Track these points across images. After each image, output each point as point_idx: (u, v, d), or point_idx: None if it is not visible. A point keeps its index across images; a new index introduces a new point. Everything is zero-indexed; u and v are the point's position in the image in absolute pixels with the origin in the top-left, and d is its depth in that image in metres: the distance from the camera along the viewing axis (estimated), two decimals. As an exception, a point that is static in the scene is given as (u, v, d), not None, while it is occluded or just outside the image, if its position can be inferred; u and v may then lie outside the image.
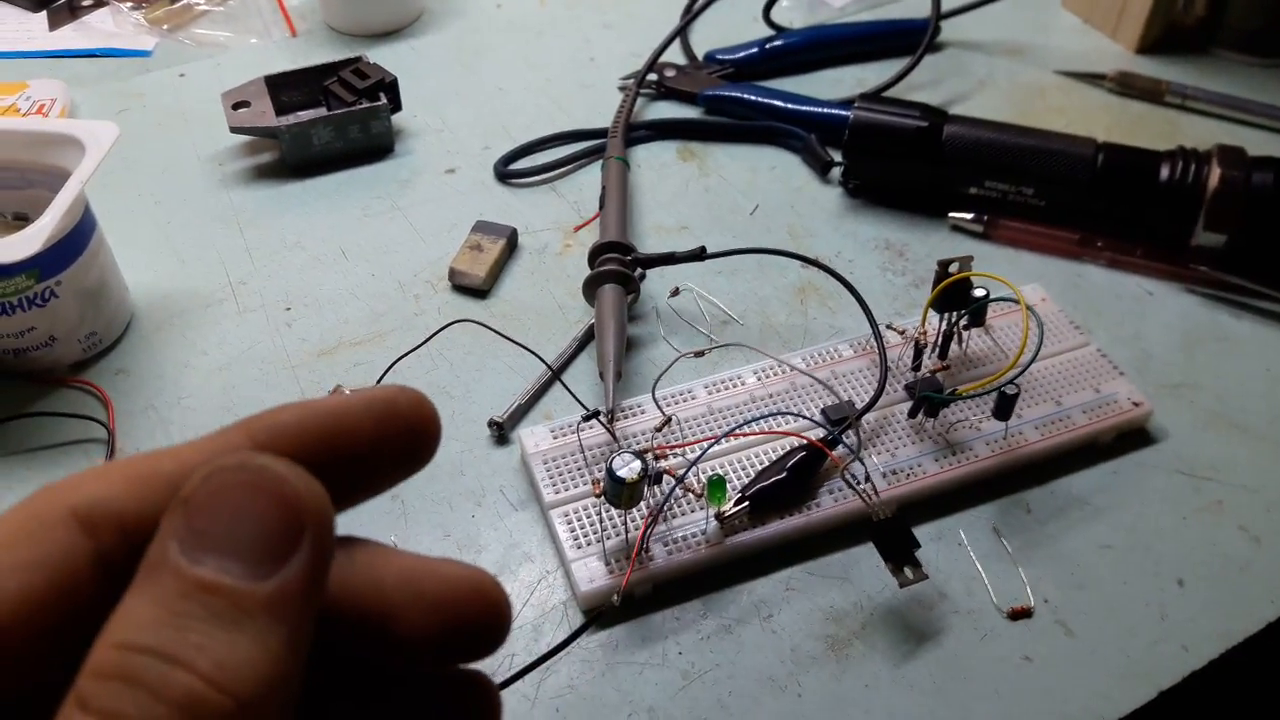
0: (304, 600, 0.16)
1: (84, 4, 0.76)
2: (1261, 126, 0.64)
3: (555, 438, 0.45)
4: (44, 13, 0.76)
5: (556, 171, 0.62)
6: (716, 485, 0.41)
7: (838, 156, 0.60)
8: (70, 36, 0.74)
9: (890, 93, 0.65)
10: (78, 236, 0.48)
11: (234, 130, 0.61)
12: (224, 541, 0.15)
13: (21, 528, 0.16)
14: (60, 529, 0.16)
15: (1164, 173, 0.54)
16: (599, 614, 0.40)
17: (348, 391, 0.45)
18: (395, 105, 0.63)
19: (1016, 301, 0.43)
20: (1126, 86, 0.66)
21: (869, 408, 0.45)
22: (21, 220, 0.50)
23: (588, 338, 0.51)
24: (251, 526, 0.15)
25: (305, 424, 0.18)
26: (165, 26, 0.74)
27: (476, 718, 0.20)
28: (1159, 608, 0.41)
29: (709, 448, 0.43)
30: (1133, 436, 0.47)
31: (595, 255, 0.52)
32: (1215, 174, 0.52)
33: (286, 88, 0.63)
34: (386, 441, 0.19)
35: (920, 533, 0.40)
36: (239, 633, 0.15)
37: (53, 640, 0.16)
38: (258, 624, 0.15)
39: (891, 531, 0.40)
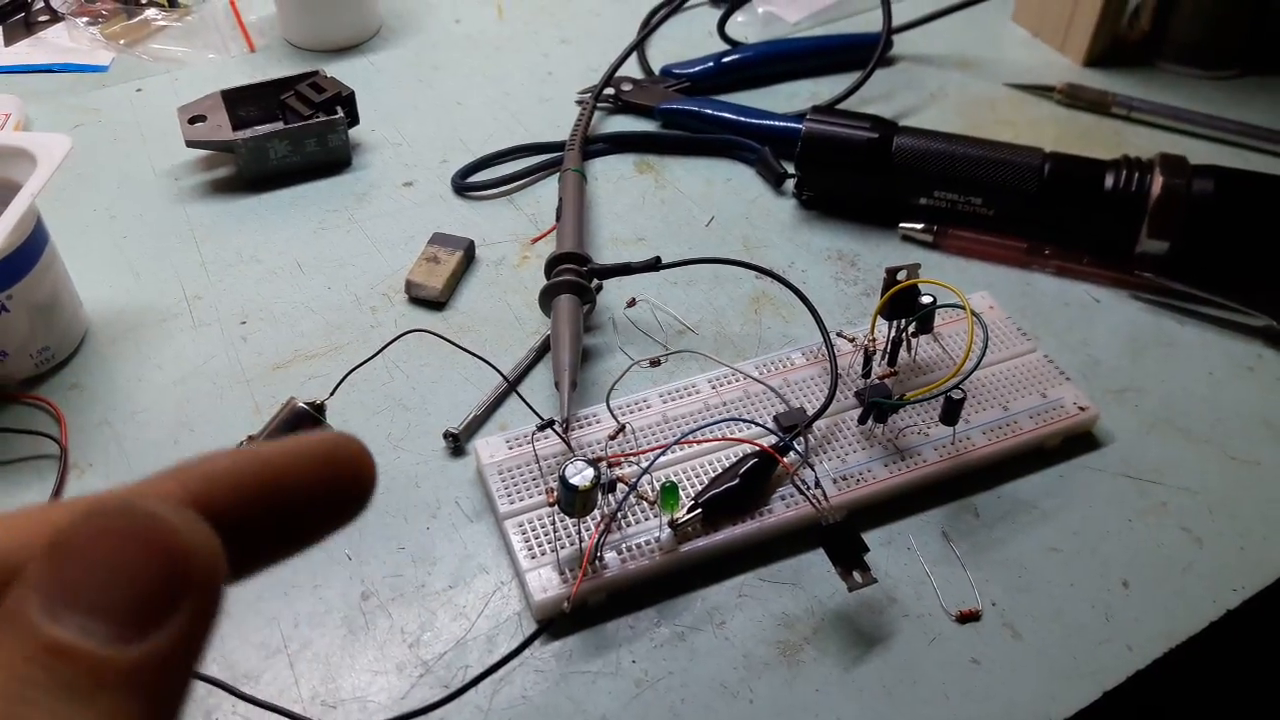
0: (173, 670, 0.14)
1: (40, 19, 0.76)
2: (1203, 136, 0.65)
3: (510, 448, 0.45)
4: (-1, 28, 0.75)
5: (514, 184, 0.62)
6: (669, 492, 0.41)
7: (792, 169, 0.61)
8: (26, 51, 0.73)
9: (843, 106, 0.66)
10: (29, 250, 0.47)
11: (190, 144, 0.61)
12: (92, 597, 0.13)
13: None
14: None
15: (1109, 181, 0.55)
16: (550, 622, 0.40)
17: (301, 404, 0.45)
18: (352, 119, 0.63)
19: (963, 308, 0.43)
20: (1074, 98, 0.68)
21: (820, 414, 0.45)
22: (-29, 235, 0.50)
23: (544, 348, 0.51)
24: (126, 581, 0.13)
25: (241, 472, 0.16)
26: (122, 42, 0.74)
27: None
28: (1104, 609, 0.42)
29: (660, 455, 0.44)
30: (1079, 441, 0.47)
31: (551, 266, 0.53)
32: (1158, 182, 0.54)
33: (243, 102, 0.63)
34: (323, 492, 0.17)
35: (870, 538, 0.41)
36: (87, 708, 0.13)
37: None
38: (111, 698, 0.13)
39: (841, 536, 0.40)
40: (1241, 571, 0.43)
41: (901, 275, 0.45)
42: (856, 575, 0.39)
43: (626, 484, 0.42)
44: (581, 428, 0.46)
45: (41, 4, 0.77)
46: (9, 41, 0.74)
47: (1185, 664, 0.41)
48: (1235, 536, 0.44)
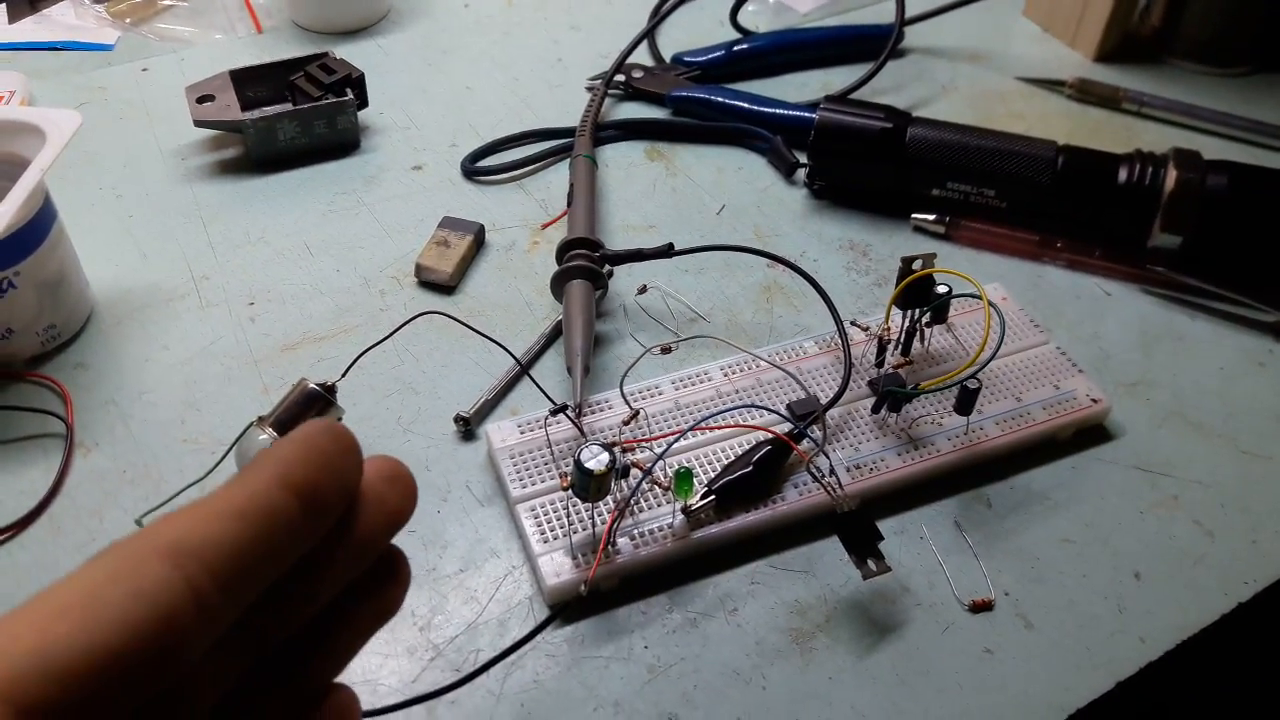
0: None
1: (44, -3, 0.75)
2: (1213, 133, 0.65)
3: (522, 433, 0.45)
4: (3, 5, 0.75)
5: (524, 170, 0.62)
6: (683, 478, 0.41)
7: (803, 158, 0.60)
8: (30, 29, 0.73)
9: (855, 96, 0.65)
10: (37, 226, 0.47)
11: (198, 124, 0.60)
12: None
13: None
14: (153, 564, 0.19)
15: (1122, 175, 0.55)
16: (564, 606, 0.40)
17: (312, 385, 0.44)
18: (362, 101, 0.63)
19: (978, 298, 0.43)
20: (1085, 93, 0.68)
21: (833, 403, 0.45)
22: (-22, 211, 0.50)
23: (555, 333, 0.51)
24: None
25: None
26: (128, 20, 0.73)
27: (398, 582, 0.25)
28: (1116, 600, 0.42)
29: (675, 441, 0.43)
30: (1091, 433, 0.47)
31: (563, 251, 0.52)
32: (1172, 176, 0.54)
33: (252, 82, 0.62)
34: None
35: (883, 527, 0.41)
36: None
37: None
38: None
39: (855, 524, 0.40)
40: (1253, 564, 0.43)
41: (917, 264, 0.45)
42: (871, 563, 0.39)
43: (641, 469, 0.42)
44: (594, 413, 0.46)
45: (46, -19, 0.76)
46: (13, 19, 0.73)
47: (1197, 656, 0.41)
48: (1247, 530, 0.44)
